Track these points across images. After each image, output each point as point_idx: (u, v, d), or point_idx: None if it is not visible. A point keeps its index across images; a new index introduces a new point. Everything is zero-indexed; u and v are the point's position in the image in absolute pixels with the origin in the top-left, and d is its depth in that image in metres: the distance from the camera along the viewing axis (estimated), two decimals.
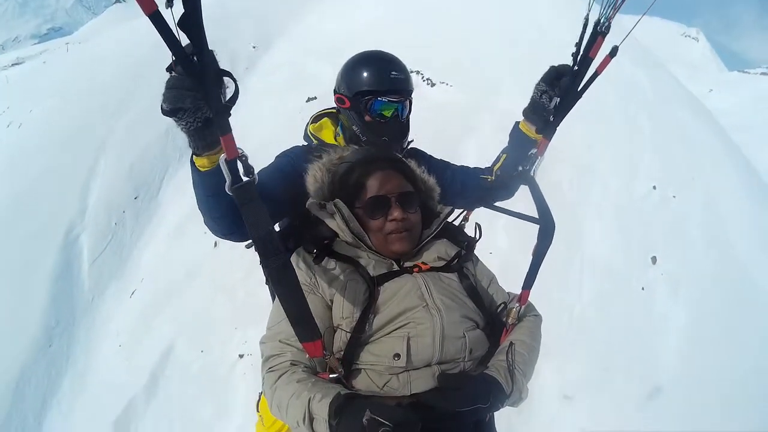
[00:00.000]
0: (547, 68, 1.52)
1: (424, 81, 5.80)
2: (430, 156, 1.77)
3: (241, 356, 4.15)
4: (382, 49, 1.65)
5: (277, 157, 1.56)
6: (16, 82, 9.00)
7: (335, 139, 1.65)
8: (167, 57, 0.72)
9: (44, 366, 4.78)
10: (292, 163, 1.49)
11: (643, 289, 4.47)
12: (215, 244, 4.88)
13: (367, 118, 1.54)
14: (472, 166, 1.81)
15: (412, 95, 1.64)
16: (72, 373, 4.82)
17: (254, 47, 7.23)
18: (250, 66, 6.85)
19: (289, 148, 1.62)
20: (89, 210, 5.67)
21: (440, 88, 5.63)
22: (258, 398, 1.58)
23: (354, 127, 1.58)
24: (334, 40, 6.92)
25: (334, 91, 1.62)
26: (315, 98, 5.94)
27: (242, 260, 4.54)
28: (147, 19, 0.67)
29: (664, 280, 4.54)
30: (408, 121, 1.64)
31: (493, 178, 1.67)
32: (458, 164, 1.81)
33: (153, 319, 4.76)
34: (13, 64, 14.60)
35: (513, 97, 6.01)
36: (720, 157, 6.05)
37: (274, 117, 5.66)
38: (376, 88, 1.51)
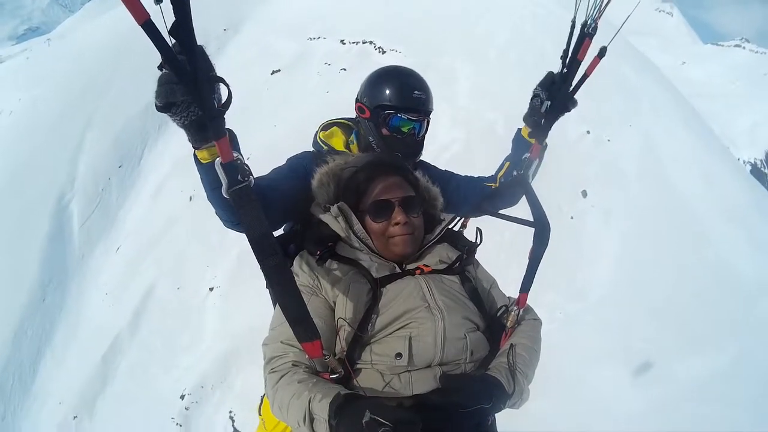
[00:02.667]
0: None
1: (376, 50, 6.27)
2: (435, 167, 1.78)
3: (211, 289, 4.63)
4: (407, 66, 1.68)
5: (288, 159, 1.59)
6: (2, 77, 9.45)
7: (346, 148, 1.66)
8: (146, 39, 0.73)
9: (39, 318, 5.26)
10: (303, 165, 1.52)
11: (572, 218, 4.89)
12: (190, 198, 5.40)
13: (384, 131, 1.57)
14: (476, 176, 1.82)
15: (431, 115, 1.65)
16: (65, 323, 5.30)
17: (225, 30, 7.77)
18: (221, 46, 7.41)
19: (299, 152, 1.63)
20: (78, 179, 6.19)
21: (390, 55, 6.13)
22: (260, 401, 1.59)
23: (370, 137, 1.61)
24: (297, 17, 7.44)
25: (356, 99, 1.64)
26: (279, 71, 6.43)
27: None
28: (124, 7, 0.69)
29: (595, 210, 4.96)
30: (423, 139, 1.65)
31: (497, 185, 1.70)
32: (463, 174, 1.83)
33: (136, 267, 5.26)
34: None
35: (454, 59, 6.47)
36: (665, 108, 6.36)
37: (243, 89, 6.17)
38: (396, 104, 1.54)
